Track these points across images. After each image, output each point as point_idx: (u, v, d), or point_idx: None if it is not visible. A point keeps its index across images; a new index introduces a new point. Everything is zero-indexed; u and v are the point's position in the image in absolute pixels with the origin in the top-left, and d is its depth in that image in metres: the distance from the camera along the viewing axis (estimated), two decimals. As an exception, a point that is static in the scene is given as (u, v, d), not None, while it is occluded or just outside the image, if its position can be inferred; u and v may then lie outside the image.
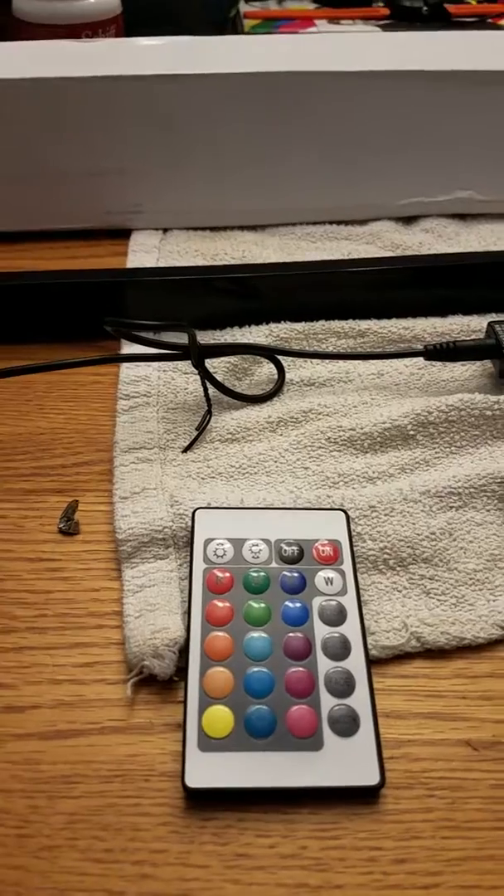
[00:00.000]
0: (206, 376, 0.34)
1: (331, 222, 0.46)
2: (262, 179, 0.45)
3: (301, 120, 0.44)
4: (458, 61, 0.44)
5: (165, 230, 0.46)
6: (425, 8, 0.71)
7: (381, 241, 0.44)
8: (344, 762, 0.22)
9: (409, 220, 0.46)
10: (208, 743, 0.23)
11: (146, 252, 0.44)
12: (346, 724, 0.23)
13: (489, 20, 0.72)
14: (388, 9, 0.72)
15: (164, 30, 0.49)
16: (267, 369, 0.36)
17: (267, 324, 0.38)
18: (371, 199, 0.46)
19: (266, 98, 0.43)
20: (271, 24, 0.69)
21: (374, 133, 0.44)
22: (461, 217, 0.46)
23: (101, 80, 0.41)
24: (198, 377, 0.34)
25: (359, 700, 0.24)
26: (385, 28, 0.69)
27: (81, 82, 0.41)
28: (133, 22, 0.56)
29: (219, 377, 0.35)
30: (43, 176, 0.44)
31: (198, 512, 0.28)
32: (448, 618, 0.26)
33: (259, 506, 0.29)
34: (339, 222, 0.46)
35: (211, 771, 0.22)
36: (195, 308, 0.38)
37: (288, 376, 0.36)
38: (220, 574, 0.27)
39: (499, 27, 0.71)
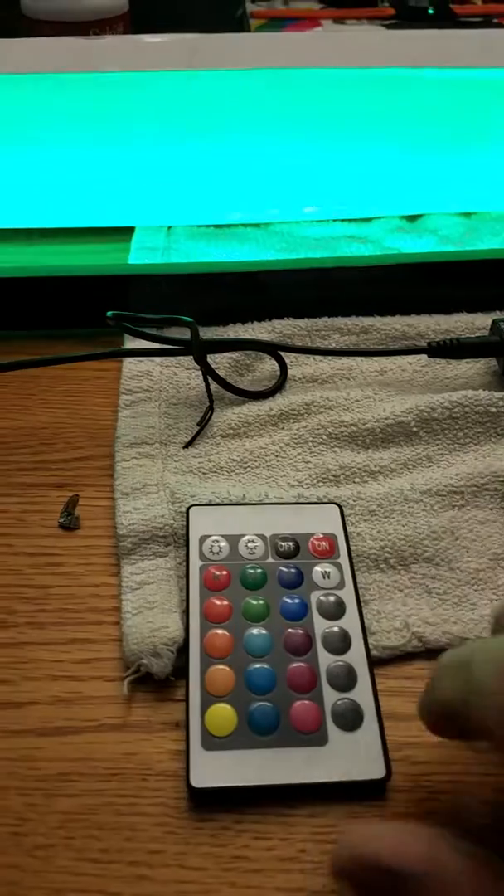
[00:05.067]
0: (208, 372, 0.34)
1: (334, 220, 0.46)
2: (266, 177, 0.45)
3: (306, 117, 0.43)
4: (465, 61, 0.43)
5: (169, 227, 0.46)
6: (431, 8, 0.70)
7: (386, 239, 0.44)
8: (349, 756, 0.22)
9: (413, 218, 0.46)
10: (212, 742, 0.22)
11: (150, 248, 0.44)
12: (350, 718, 0.23)
13: (495, 20, 0.71)
14: (393, 9, 0.72)
15: (171, 29, 0.49)
16: (269, 365, 0.36)
17: (270, 320, 0.38)
18: (375, 197, 0.46)
19: (271, 95, 0.42)
20: (277, 24, 0.69)
21: (380, 132, 0.44)
22: (466, 215, 0.46)
23: (107, 76, 0.41)
24: (200, 373, 0.34)
25: (361, 693, 0.23)
26: (390, 28, 0.68)
27: (87, 80, 0.41)
28: (140, 20, 0.56)
29: (221, 373, 0.35)
30: (48, 172, 0.44)
31: (192, 509, 0.28)
32: (450, 617, 0.26)
33: (252, 501, 0.29)
34: (342, 220, 0.46)
35: (216, 770, 0.22)
36: (198, 304, 0.38)
37: (290, 373, 0.35)
38: (216, 571, 0.26)
39: (505, 27, 0.70)
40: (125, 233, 0.45)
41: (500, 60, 0.44)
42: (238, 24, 0.69)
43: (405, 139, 0.44)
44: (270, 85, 0.42)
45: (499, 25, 0.71)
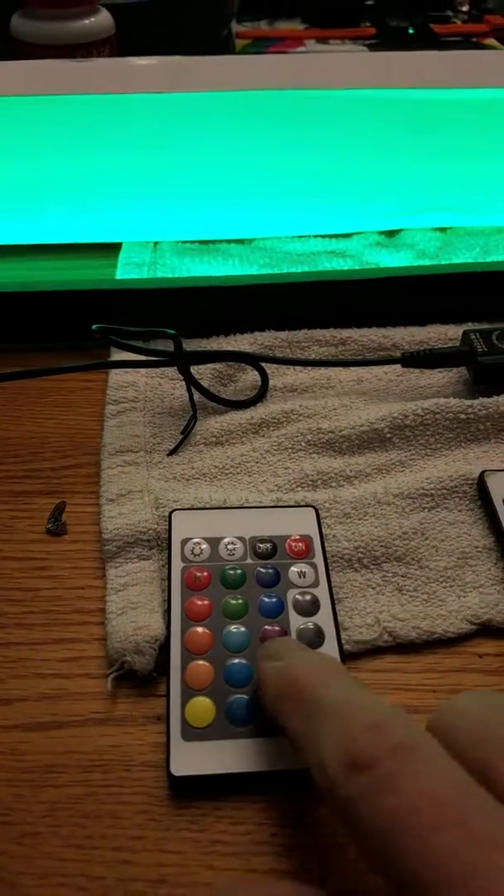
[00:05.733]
0: (191, 382, 0.35)
1: (316, 236, 0.47)
2: (250, 195, 0.46)
3: (290, 137, 0.45)
4: (444, 80, 0.45)
5: (156, 243, 0.47)
6: (411, 28, 0.73)
7: (365, 253, 0.46)
8: None
9: (391, 233, 0.48)
10: (191, 732, 0.23)
11: (137, 264, 0.45)
12: None
13: (474, 39, 0.74)
14: (374, 29, 0.74)
15: (157, 50, 0.51)
16: (251, 376, 0.37)
17: (252, 332, 0.39)
18: (355, 214, 0.47)
19: (256, 116, 0.44)
20: (262, 44, 0.72)
21: (359, 150, 0.45)
22: (441, 230, 0.48)
23: (94, 98, 0.43)
24: (184, 383, 0.35)
25: None
26: (372, 48, 0.71)
27: (74, 101, 0.42)
28: (126, 41, 0.58)
29: (204, 383, 0.36)
30: (35, 193, 0.45)
31: (174, 513, 0.29)
32: (419, 613, 0.27)
33: (233, 505, 0.30)
34: (323, 236, 0.47)
35: (195, 759, 0.23)
36: (183, 317, 0.39)
37: (271, 383, 0.37)
38: (197, 573, 0.27)
39: (483, 46, 0.73)
40: (112, 248, 0.46)
41: (477, 80, 0.46)
42: (223, 44, 0.71)
43: (385, 157, 0.46)
44: (255, 106, 0.44)
45: (477, 45, 0.73)
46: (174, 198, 0.46)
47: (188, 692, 0.24)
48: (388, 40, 0.72)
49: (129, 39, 0.58)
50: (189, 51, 0.50)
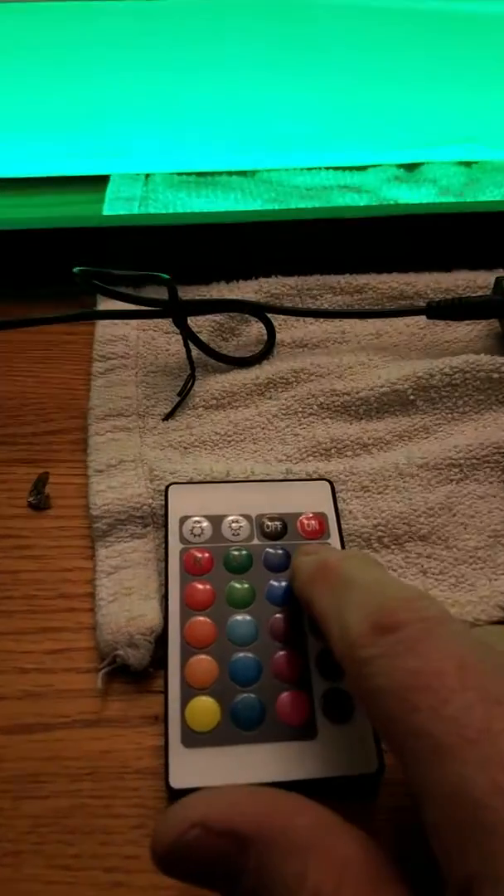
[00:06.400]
0: (188, 336, 0.31)
1: (327, 168, 0.43)
2: (253, 120, 0.42)
3: (297, 52, 0.40)
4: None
5: (147, 175, 0.43)
6: None
7: (382, 188, 0.42)
8: (340, 750, 0.21)
9: (411, 166, 0.44)
10: (193, 738, 0.21)
11: (126, 199, 0.41)
12: (341, 709, 0.21)
13: None
14: None
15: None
16: (256, 329, 0.34)
17: (256, 278, 0.36)
18: (371, 144, 0.43)
19: (259, 24, 0.39)
20: None
21: (378, 68, 0.41)
22: (467, 164, 0.44)
23: (72, 6, 0.38)
24: (180, 337, 0.32)
25: None
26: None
27: (51, 9, 0.38)
28: None
29: (203, 337, 0.33)
30: (9, 120, 0.41)
31: (171, 487, 0.26)
32: (447, 599, 0.25)
33: (237, 478, 0.27)
34: (336, 168, 0.43)
35: (198, 769, 0.20)
36: (178, 259, 0.35)
37: (278, 337, 0.33)
38: (198, 554, 0.25)
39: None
40: (99, 182, 0.43)
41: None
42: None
43: (405, 79, 0.41)
44: (258, 12, 0.39)
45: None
46: (167, 123, 0.42)
47: (189, 691, 0.22)
48: None
49: None
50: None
